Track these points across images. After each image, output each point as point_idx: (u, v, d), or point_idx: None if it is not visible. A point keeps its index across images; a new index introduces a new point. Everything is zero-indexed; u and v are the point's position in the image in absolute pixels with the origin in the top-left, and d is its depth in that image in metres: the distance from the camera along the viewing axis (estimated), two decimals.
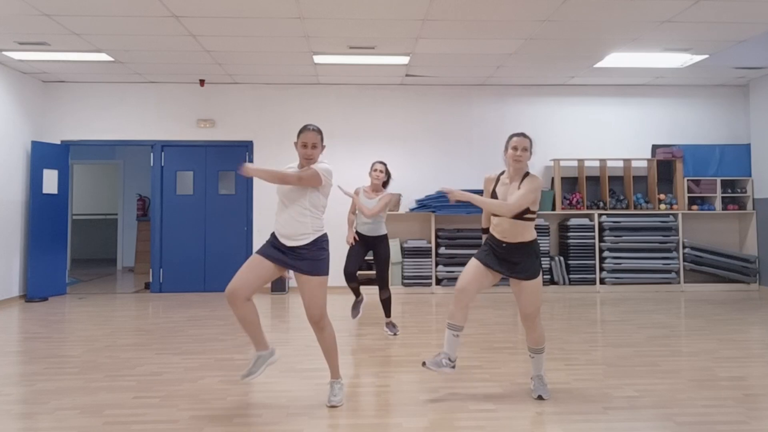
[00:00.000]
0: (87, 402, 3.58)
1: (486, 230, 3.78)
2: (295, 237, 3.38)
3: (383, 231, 5.43)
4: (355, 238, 5.40)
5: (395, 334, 5.39)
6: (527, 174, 3.55)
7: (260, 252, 3.42)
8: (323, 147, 3.53)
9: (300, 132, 3.49)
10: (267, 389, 3.82)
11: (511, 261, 3.52)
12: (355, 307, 5.58)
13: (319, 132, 3.51)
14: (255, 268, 3.38)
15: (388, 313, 5.48)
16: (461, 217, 8.33)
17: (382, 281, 5.42)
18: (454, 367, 3.62)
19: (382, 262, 5.41)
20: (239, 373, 3.48)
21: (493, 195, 3.60)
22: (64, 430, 3.15)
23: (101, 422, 3.24)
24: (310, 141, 3.45)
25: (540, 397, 3.56)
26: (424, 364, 3.60)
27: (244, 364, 4.39)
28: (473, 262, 3.61)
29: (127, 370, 4.27)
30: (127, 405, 3.52)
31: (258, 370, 3.47)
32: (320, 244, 3.43)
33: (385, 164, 5.49)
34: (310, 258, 3.39)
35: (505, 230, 3.50)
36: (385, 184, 5.48)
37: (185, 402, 3.57)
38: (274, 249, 3.40)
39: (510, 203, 3.41)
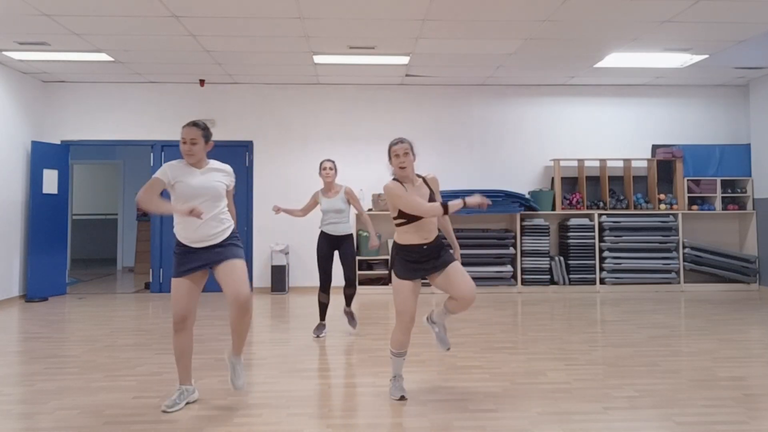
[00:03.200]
0: (87, 402, 3.58)
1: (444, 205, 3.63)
2: (215, 236, 3.40)
3: (349, 230, 5.41)
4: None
5: (354, 327, 5.45)
6: (419, 175, 3.66)
7: (180, 275, 3.38)
8: (208, 145, 3.50)
9: (182, 128, 3.46)
10: (267, 389, 3.82)
11: (432, 258, 3.56)
12: (319, 329, 5.44)
13: (202, 128, 3.47)
14: (189, 291, 3.37)
15: (348, 303, 5.49)
16: (460, 217, 8.33)
17: (349, 280, 5.37)
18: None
19: (349, 260, 5.35)
20: (163, 403, 3.42)
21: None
22: (64, 430, 3.15)
23: (101, 422, 3.24)
24: (189, 136, 3.41)
25: (448, 349, 3.77)
26: (403, 398, 3.59)
27: (244, 364, 4.39)
28: (404, 285, 3.51)
29: (127, 370, 4.27)
30: (127, 405, 3.52)
31: (181, 404, 3.43)
32: (236, 234, 3.50)
33: (333, 161, 5.43)
34: (229, 244, 3.41)
35: (427, 230, 3.55)
36: None
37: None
38: (191, 260, 3.37)
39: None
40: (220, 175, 3.49)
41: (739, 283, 8.30)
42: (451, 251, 3.71)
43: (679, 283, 8.19)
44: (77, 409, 3.45)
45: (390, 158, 3.61)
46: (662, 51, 6.88)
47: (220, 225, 3.42)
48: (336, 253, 5.38)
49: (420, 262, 3.55)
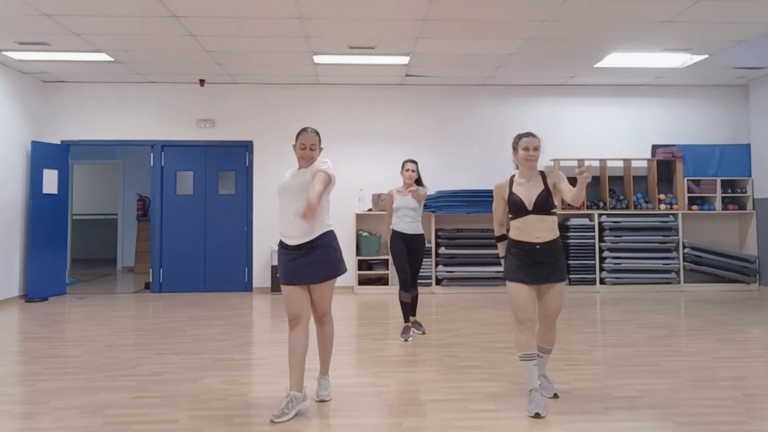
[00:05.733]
0: (87, 402, 3.58)
1: (500, 238, 3.66)
2: (307, 232, 3.38)
3: (421, 230, 5.42)
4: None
5: (423, 333, 5.39)
6: (542, 172, 3.55)
7: (282, 280, 3.45)
8: (321, 148, 3.56)
9: (298, 134, 3.53)
10: (267, 389, 3.82)
11: (545, 263, 3.41)
12: (406, 332, 5.30)
13: (317, 134, 3.56)
14: (299, 294, 3.41)
15: (413, 312, 5.47)
16: (461, 217, 8.33)
17: (413, 280, 5.40)
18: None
19: (416, 261, 5.40)
20: (271, 413, 3.29)
21: (513, 198, 3.48)
22: (64, 430, 3.15)
23: (101, 422, 3.24)
24: (308, 142, 3.50)
25: (555, 395, 3.58)
26: (538, 415, 3.28)
27: (244, 364, 4.40)
28: (519, 288, 3.40)
29: (127, 370, 4.27)
30: (127, 405, 3.52)
31: (291, 413, 3.29)
32: (330, 239, 3.46)
33: (416, 162, 5.49)
34: (318, 255, 3.39)
35: (539, 229, 3.42)
36: (417, 182, 5.48)
37: (185, 402, 3.57)
38: (294, 269, 3.39)
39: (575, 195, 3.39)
40: (310, 172, 3.46)
41: (739, 283, 8.30)
42: (562, 265, 3.51)
43: (679, 283, 8.19)
44: (77, 409, 3.45)
45: (516, 150, 3.54)
46: (662, 51, 6.88)
47: (309, 226, 3.38)
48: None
49: (533, 262, 3.41)
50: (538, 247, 3.42)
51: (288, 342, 3.45)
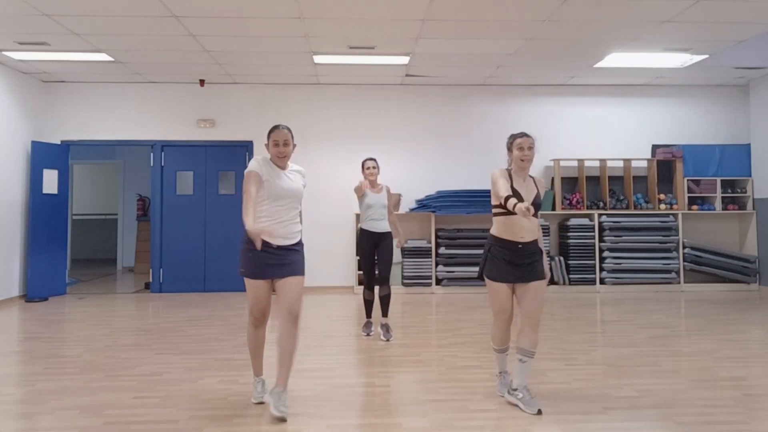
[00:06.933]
0: (87, 402, 3.58)
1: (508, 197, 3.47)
2: (289, 236, 3.48)
3: (389, 228, 5.47)
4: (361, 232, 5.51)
5: (388, 340, 5.22)
6: (531, 177, 3.60)
7: (251, 275, 3.44)
8: (294, 145, 3.59)
9: (270, 132, 3.56)
10: (267, 389, 3.81)
11: (525, 262, 3.47)
12: (367, 327, 5.49)
13: (290, 130, 3.60)
14: (266, 291, 3.46)
15: (385, 312, 5.41)
16: (461, 217, 8.33)
17: (383, 278, 5.41)
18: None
19: (386, 259, 5.42)
20: (253, 398, 3.58)
21: (514, 192, 3.45)
22: (64, 430, 3.15)
23: (101, 422, 3.24)
24: (281, 138, 3.53)
25: (539, 411, 3.32)
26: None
27: (244, 365, 4.40)
28: (500, 287, 3.50)
29: (127, 370, 4.27)
30: (127, 405, 3.52)
31: (265, 393, 3.56)
32: (301, 243, 3.60)
33: (375, 159, 5.52)
34: (296, 257, 3.49)
35: (524, 228, 3.47)
36: None
37: (185, 402, 3.57)
38: (265, 264, 3.40)
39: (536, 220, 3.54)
40: (300, 177, 3.61)
41: (739, 283, 8.30)
42: (545, 261, 3.60)
43: (679, 283, 8.19)
44: (77, 409, 3.45)
45: (510, 150, 3.55)
46: (662, 51, 6.88)
47: (297, 226, 3.53)
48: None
49: (514, 263, 3.47)
50: (520, 246, 3.48)
51: (252, 341, 3.56)
